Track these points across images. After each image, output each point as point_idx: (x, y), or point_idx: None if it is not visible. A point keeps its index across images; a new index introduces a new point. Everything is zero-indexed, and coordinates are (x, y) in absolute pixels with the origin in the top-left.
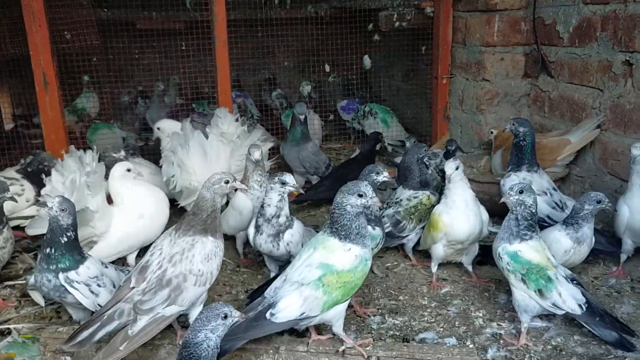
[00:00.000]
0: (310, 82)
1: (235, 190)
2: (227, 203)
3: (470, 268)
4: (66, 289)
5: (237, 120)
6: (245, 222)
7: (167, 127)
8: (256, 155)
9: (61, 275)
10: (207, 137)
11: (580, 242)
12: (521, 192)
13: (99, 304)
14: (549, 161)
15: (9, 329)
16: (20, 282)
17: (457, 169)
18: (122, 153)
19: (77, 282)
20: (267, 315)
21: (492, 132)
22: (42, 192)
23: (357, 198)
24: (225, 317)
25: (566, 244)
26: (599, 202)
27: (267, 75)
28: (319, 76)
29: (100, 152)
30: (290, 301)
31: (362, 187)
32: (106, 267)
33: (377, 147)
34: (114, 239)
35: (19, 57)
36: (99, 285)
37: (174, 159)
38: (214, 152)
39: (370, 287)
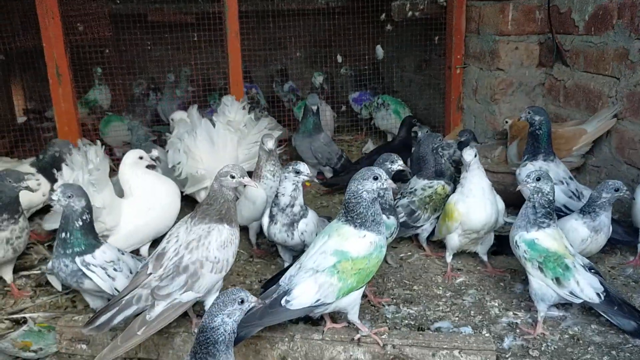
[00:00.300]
0: (322, 74)
1: None
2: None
3: (485, 258)
4: (83, 273)
5: (244, 108)
6: (259, 212)
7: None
8: (269, 144)
9: (78, 259)
10: (214, 125)
11: (598, 231)
12: (538, 179)
13: (116, 288)
14: (565, 151)
15: (24, 317)
16: (35, 272)
17: (475, 156)
18: (154, 153)
19: (93, 265)
20: (282, 302)
21: (506, 122)
22: (55, 187)
23: (372, 182)
24: (242, 302)
25: (583, 232)
26: (616, 190)
27: (279, 67)
28: (330, 68)
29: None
30: (305, 288)
31: (376, 170)
32: (122, 253)
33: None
34: (124, 232)
35: (31, 50)
36: (115, 270)
37: (181, 145)
38: (221, 140)
39: (384, 277)
